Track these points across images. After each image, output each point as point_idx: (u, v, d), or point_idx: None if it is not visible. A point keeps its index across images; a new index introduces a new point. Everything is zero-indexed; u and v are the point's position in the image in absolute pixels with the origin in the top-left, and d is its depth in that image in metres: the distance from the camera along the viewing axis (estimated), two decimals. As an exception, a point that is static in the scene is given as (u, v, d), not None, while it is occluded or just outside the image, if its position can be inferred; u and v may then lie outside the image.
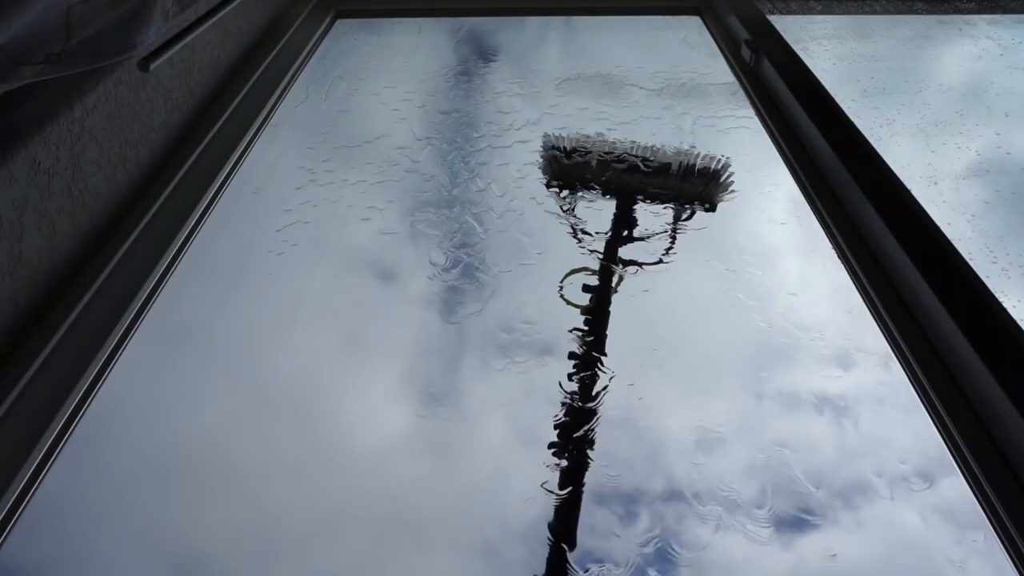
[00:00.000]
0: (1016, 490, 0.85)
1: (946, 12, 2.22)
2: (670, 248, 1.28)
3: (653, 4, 2.19)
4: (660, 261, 1.22)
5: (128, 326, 1.07)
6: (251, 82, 1.66)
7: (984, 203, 1.38)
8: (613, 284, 1.19)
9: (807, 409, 1.02)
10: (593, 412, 0.98)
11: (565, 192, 1.42)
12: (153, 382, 1.05)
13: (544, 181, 1.44)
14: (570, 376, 1.04)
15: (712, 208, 1.39)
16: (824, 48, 1.99)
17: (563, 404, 1.00)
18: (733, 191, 1.42)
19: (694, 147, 1.55)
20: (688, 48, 2.01)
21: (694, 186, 1.44)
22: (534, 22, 2.17)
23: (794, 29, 2.04)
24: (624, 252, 1.27)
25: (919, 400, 0.99)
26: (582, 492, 0.90)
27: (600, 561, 0.83)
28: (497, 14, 2.19)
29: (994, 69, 1.89)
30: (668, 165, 1.48)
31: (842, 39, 2.06)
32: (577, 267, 1.21)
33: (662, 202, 1.40)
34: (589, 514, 0.88)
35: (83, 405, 0.96)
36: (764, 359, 1.09)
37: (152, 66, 1.13)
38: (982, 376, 0.92)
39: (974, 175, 1.47)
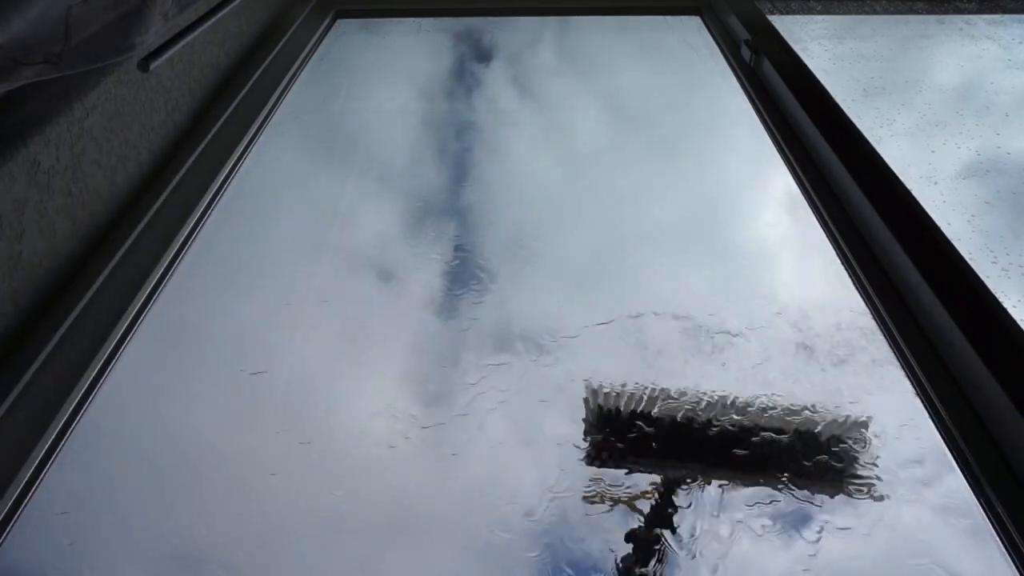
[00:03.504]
0: (1016, 490, 0.85)
1: (946, 12, 2.22)
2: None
3: (653, 4, 2.19)
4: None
5: (128, 326, 1.07)
6: (251, 82, 1.66)
7: (984, 203, 1.38)
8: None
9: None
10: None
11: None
12: (153, 382, 1.04)
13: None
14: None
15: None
16: (824, 48, 1.99)
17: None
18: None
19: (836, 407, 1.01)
20: (688, 48, 2.01)
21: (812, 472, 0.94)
22: (531, 22, 2.17)
23: (794, 29, 2.04)
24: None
25: (919, 400, 0.99)
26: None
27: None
28: (496, 14, 2.19)
29: (994, 69, 1.89)
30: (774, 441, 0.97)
31: (842, 39, 2.06)
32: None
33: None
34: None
35: (83, 405, 0.96)
36: (763, 358, 1.09)
37: (152, 66, 1.13)
38: (982, 376, 0.92)
39: (973, 175, 1.47)
